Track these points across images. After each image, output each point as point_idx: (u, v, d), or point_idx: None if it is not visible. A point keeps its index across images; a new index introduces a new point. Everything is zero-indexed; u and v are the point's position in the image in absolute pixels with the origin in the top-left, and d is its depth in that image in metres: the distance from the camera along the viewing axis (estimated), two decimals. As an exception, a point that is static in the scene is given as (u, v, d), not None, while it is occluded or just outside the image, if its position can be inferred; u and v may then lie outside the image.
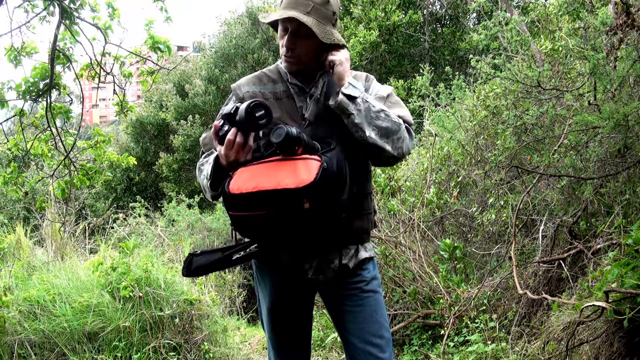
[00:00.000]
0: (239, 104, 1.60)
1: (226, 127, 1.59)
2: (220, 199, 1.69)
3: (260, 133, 1.64)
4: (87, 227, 6.25)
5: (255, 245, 1.60)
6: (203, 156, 1.77)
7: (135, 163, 4.21)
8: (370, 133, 1.61)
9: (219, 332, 3.81)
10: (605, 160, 2.91)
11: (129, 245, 3.87)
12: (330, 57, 1.67)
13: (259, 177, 1.50)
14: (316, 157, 1.51)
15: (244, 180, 1.52)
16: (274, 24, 1.78)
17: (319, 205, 1.45)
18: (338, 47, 1.71)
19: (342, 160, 1.54)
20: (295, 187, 1.43)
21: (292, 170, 1.48)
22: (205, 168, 1.70)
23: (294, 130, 1.52)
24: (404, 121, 1.72)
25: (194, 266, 1.64)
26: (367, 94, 1.66)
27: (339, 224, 1.59)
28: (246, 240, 1.67)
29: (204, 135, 1.80)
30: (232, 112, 1.57)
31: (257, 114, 1.54)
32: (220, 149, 1.58)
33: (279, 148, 1.53)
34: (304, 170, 1.47)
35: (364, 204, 1.72)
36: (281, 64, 1.80)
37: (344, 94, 1.61)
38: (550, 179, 3.24)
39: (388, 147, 1.64)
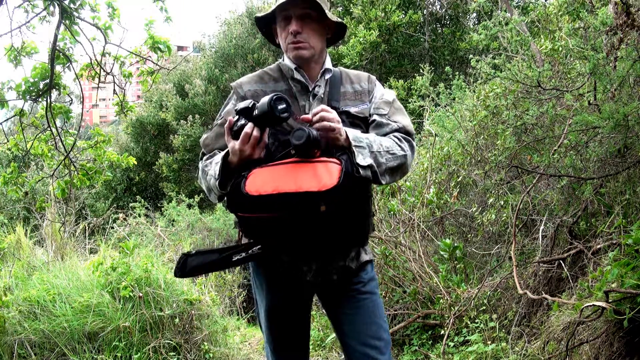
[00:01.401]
0: (255, 101, 1.57)
1: (241, 122, 1.56)
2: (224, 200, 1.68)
3: (268, 130, 1.62)
4: (87, 227, 6.25)
5: (259, 247, 1.58)
6: (205, 158, 1.75)
7: (135, 163, 4.21)
8: (385, 179, 1.62)
9: (219, 332, 3.80)
10: (605, 160, 2.91)
11: (129, 245, 3.87)
12: (317, 126, 1.54)
13: (278, 179, 1.48)
14: (335, 160, 1.50)
15: (261, 182, 1.49)
16: (266, 30, 1.81)
17: (334, 208, 1.46)
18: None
19: (354, 162, 1.54)
20: (318, 191, 1.43)
21: (313, 174, 1.47)
22: (211, 168, 1.66)
23: (314, 132, 1.50)
24: (406, 132, 1.72)
25: (189, 267, 1.61)
26: (371, 138, 1.63)
27: (350, 226, 1.59)
28: (246, 241, 1.66)
29: (204, 136, 1.78)
30: (249, 106, 1.54)
31: (279, 107, 1.51)
32: (235, 144, 1.55)
33: (298, 150, 1.51)
34: (325, 174, 1.46)
35: (367, 206, 1.72)
36: (283, 61, 1.79)
37: (362, 166, 1.53)
38: (550, 179, 3.24)
39: (398, 178, 1.70)
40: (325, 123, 1.54)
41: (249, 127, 1.53)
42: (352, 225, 1.61)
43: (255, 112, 1.53)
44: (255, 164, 1.56)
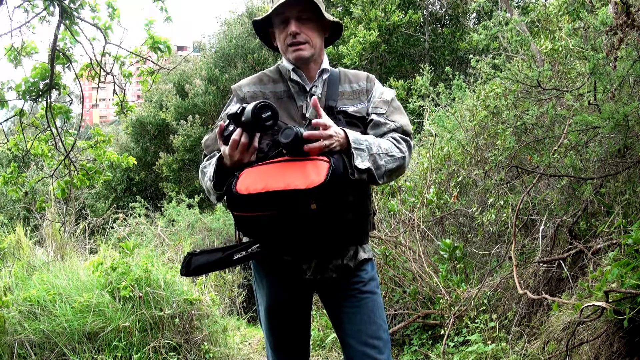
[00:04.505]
0: (245, 104, 1.58)
1: (231, 127, 1.58)
2: (224, 200, 1.69)
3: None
4: (87, 227, 6.25)
5: (258, 245, 1.60)
6: (205, 159, 1.77)
7: (135, 163, 4.21)
8: (383, 180, 1.63)
9: (219, 332, 3.81)
10: (605, 160, 2.91)
11: (129, 245, 3.87)
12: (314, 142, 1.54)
13: (268, 178, 1.50)
14: (324, 158, 1.51)
15: (252, 181, 1.51)
16: (263, 34, 1.81)
17: (325, 206, 1.46)
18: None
19: (347, 160, 1.54)
20: (305, 188, 1.44)
21: (301, 171, 1.48)
22: (208, 170, 1.69)
23: (302, 130, 1.51)
24: (404, 131, 1.72)
25: (193, 266, 1.64)
26: (371, 140, 1.62)
27: (343, 225, 1.59)
28: (247, 240, 1.67)
29: (206, 137, 1.80)
30: (238, 112, 1.56)
31: (263, 115, 1.53)
32: (225, 149, 1.59)
33: (287, 148, 1.52)
34: (313, 171, 1.47)
35: (365, 205, 1.72)
36: (282, 63, 1.80)
37: (360, 170, 1.55)
38: (550, 179, 3.24)
39: (395, 179, 1.75)
40: (315, 144, 1.52)
41: (237, 133, 1.56)
42: (348, 224, 1.61)
43: (243, 118, 1.55)
44: (248, 165, 1.58)
